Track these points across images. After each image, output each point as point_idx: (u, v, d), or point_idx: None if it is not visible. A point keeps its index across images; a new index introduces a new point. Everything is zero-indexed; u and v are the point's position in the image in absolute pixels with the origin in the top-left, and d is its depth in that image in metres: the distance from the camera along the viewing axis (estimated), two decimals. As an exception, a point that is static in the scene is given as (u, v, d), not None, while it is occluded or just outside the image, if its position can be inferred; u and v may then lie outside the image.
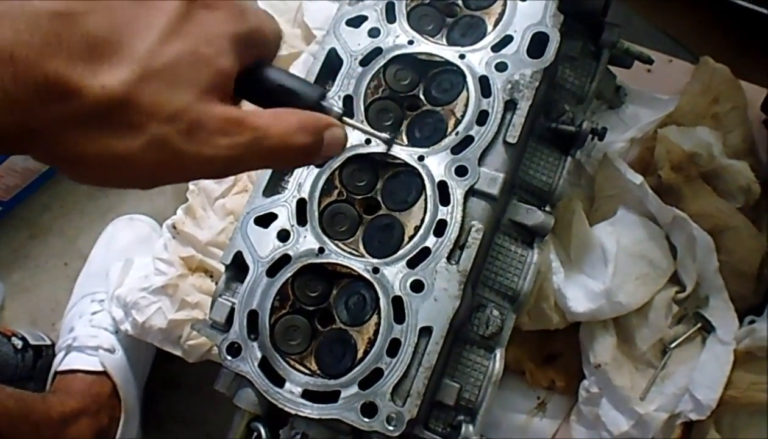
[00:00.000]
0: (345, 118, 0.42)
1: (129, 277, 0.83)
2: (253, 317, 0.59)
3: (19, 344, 0.86)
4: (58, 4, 0.29)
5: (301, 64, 0.82)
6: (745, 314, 0.73)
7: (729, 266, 0.72)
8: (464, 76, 0.63)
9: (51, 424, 0.74)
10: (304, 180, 0.62)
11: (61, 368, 0.82)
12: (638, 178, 0.73)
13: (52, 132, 0.29)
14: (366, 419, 0.55)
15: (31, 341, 0.88)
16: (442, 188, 0.60)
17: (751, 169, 0.77)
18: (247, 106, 0.39)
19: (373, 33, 0.66)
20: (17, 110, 0.28)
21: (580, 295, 0.70)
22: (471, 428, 0.61)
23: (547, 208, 0.68)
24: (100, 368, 0.82)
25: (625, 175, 0.74)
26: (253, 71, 0.39)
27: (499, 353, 0.63)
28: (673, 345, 0.72)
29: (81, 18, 0.29)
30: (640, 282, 0.70)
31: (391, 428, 0.54)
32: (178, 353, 0.80)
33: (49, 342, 0.91)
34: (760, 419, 0.68)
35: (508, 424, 0.76)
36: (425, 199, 0.60)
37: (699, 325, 0.72)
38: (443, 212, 0.59)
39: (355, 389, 0.56)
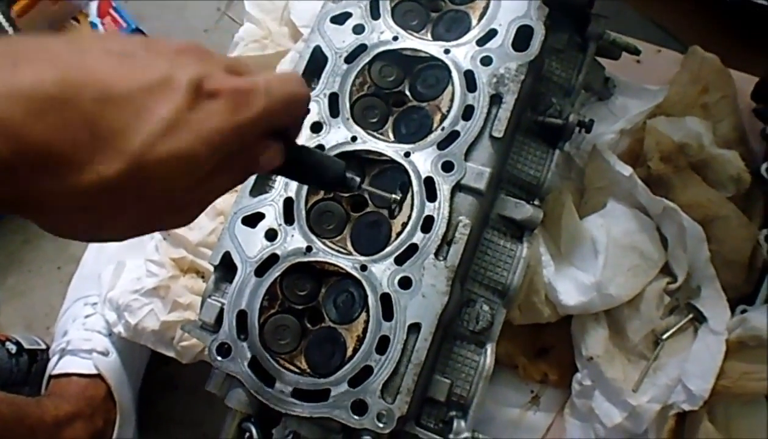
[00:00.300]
0: (365, 186, 0.53)
1: (121, 279, 0.83)
2: (242, 317, 0.59)
3: (13, 348, 0.86)
4: (65, 92, 0.31)
5: (288, 63, 0.82)
6: (736, 304, 0.73)
7: (720, 256, 0.72)
8: (449, 71, 0.63)
9: (46, 428, 0.74)
10: (288, 182, 0.62)
11: (56, 371, 0.82)
12: (627, 170, 0.73)
13: (40, 199, 0.32)
14: (356, 417, 0.55)
15: (26, 346, 0.88)
16: (429, 184, 0.60)
17: (741, 159, 0.76)
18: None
19: (358, 30, 0.66)
20: (13, 179, 0.30)
21: (570, 288, 0.70)
22: (463, 423, 0.61)
23: (536, 202, 0.67)
24: (94, 371, 0.82)
25: (614, 167, 0.74)
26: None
27: (489, 348, 0.63)
28: (665, 336, 0.71)
29: (97, 107, 0.32)
30: (631, 274, 0.70)
31: (381, 425, 0.55)
32: (171, 354, 0.80)
33: (44, 346, 0.91)
34: (753, 408, 0.67)
35: (501, 418, 0.76)
36: (412, 196, 0.60)
37: (691, 315, 0.72)
38: (430, 208, 0.59)
39: (345, 387, 0.56)
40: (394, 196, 0.58)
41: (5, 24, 0.55)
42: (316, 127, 0.63)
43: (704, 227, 0.71)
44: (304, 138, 0.63)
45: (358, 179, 0.50)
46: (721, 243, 0.72)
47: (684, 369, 0.68)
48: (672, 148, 0.74)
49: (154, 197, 0.35)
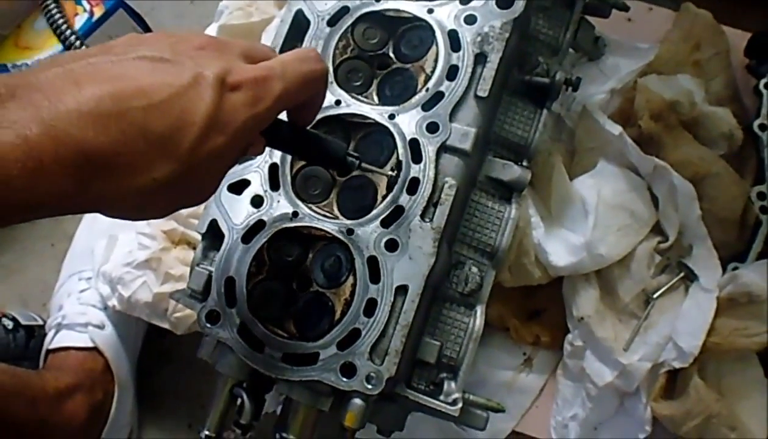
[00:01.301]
0: (363, 164, 0.53)
1: (113, 253, 0.83)
2: (230, 283, 0.59)
3: (9, 324, 0.87)
4: (119, 105, 0.37)
5: (273, 30, 0.81)
6: (728, 262, 0.72)
7: (711, 214, 0.71)
8: (433, 31, 0.62)
9: (47, 399, 0.75)
10: (275, 144, 0.61)
11: (53, 346, 0.83)
12: (617, 129, 0.72)
13: (100, 197, 0.37)
14: (345, 379, 0.55)
15: (23, 322, 0.89)
16: (414, 146, 0.59)
17: (733, 116, 0.75)
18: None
19: (340, -9, 0.65)
20: (83, 183, 0.36)
21: (560, 249, 0.70)
22: (453, 384, 0.61)
23: (524, 163, 0.67)
24: (90, 345, 0.82)
25: (604, 126, 0.73)
26: (285, 127, 0.48)
27: (479, 310, 0.63)
28: (656, 295, 0.71)
29: (144, 116, 0.37)
30: (621, 233, 0.70)
31: (370, 386, 0.55)
32: (165, 326, 0.81)
33: (40, 322, 0.91)
34: (744, 364, 0.68)
35: (494, 381, 0.76)
36: (397, 158, 0.60)
37: (682, 274, 0.72)
38: (415, 170, 0.59)
39: (333, 350, 0.56)
40: (390, 173, 0.58)
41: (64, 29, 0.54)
42: (300, 92, 0.62)
43: (695, 185, 0.71)
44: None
45: (357, 161, 0.52)
46: (713, 201, 0.72)
47: (675, 327, 0.68)
48: (663, 106, 0.73)
49: (194, 187, 0.41)
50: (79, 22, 0.91)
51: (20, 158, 0.33)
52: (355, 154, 0.52)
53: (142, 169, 0.37)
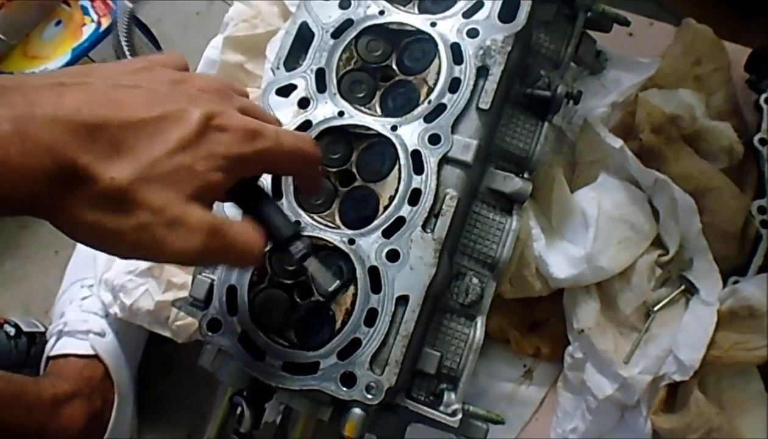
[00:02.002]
0: (309, 260, 0.49)
1: (116, 261, 0.84)
2: (231, 292, 0.59)
3: (11, 331, 0.87)
4: (96, 120, 0.38)
5: (277, 42, 0.82)
6: (729, 275, 0.73)
7: (712, 227, 0.71)
8: (436, 44, 0.63)
9: (43, 406, 0.75)
10: (278, 155, 0.62)
11: (53, 352, 0.83)
12: (618, 142, 0.72)
13: (62, 205, 0.37)
14: (345, 389, 0.55)
15: (24, 328, 0.89)
16: (416, 157, 0.60)
17: (734, 130, 0.76)
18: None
19: (344, 4, 0.66)
20: (51, 188, 0.36)
21: (561, 261, 0.70)
22: (453, 395, 0.61)
23: (525, 175, 0.67)
24: (91, 352, 0.82)
25: (605, 139, 0.73)
26: (247, 186, 0.46)
27: (479, 321, 0.63)
28: (656, 308, 0.71)
29: (119, 130, 0.38)
30: (621, 246, 0.70)
31: (370, 396, 0.55)
32: (167, 334, 0.81)
33: (42, 329, 0.92)
34: (745, 378, 0.68)
35: (495, 393, 0.76)
36: (399, 169, 0.60)
37: (683, 287, 0.72)
38: (417, 181, 0.59)
39: (334, 359, 0.56)
40: (331, 288, 0.53)
41: (125, 47, 0.56)
42: (303, 103, 0.63)
43: (696, 199, 0.71)
44: (292, 114, 0.63)
45: (304, 252, 0.49)
46: (714, 215, 0.72)
47: (675, 340, 0.68)
48: (663, 119, 0.73)
49: (152, 209, 0.39)
50: (86, 32, 0.93)
51: None
52: (302, 246, 0.49)
53: (103, 171, 0.37)
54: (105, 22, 0.93)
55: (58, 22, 0.94)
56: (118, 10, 0.59)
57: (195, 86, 0.44)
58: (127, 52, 0.57)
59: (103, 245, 0.41)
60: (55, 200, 0.37)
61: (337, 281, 0.53)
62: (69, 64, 0.91)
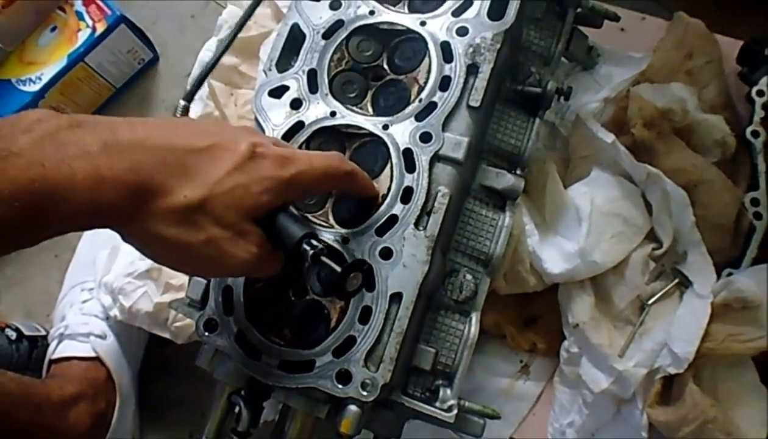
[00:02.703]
0: (322, 258, 0.50)
1: (115, 264, 0.84)
2: (227, 292, 0.60)
3: (13, 335, 0.88)
4: (165, 145, 0.45)
5: (271, 44, 0.82)
6: (723, 268, 0.73)
7: (705, 220, 0.72)
8: (426, 43, 0.63)
9: (52, 407, 0.76)
10: (271, 156, 0.63)
11: (55, 356, 0.84)
12: (610, 137, 0.73)
13: (140, 217, 0.44)
14: (341, 386, 0.56)
15: (26, 332, 0.90)
16: (407, 156, 0.60)
17: (726, 123, 0.76)
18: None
19: (335, 5, 0.66)
20: (133, 199, 0.43)
21: (555, 256, 0.70)
22: (449, 391, 0.62)
23: (518, 172, 0.68)
24: (93, 354, 0.83)
25: (597, 134, 0.74)
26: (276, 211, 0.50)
27: (474, 317, 0.64)
28: (650, 301, 0.72)
29: (185, 154, 0.45)
30: (615, 240, 0.70)
31: (365, 393, 0.55)
32: (166, 335, 0.82)
33: (43, 332, 0.92)
34: (739, 370, 0.68)
35: (491, 388, 0.77)
36: (391, 168, 0.60)
37: (677, 280, 0.72)
38: (409, 179, 0.60)
39: (329, 357, 0.57)
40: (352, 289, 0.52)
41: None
42: (296, 104, 0.64)
43: (689, 192, 0.71)
44: (284, 115, 0.64)
45: (310, 251, 0.50)
46: (707, 208, 0.72)
47: (669, 333, 0.68)
48: (655, 114, 0.74)
49: (221, 225, 0.46)
50: (82, 37, 0.93)
51: (84, 167, 0.40)
52: (315, 244, 0.50)
53: (176, 189, 0.44)
54: (100, 27, 0.93)
55: (54, 28, 0.95)
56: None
57: (234, 127, 0.52)
58: None
59: (173, 257, 0.48)
60: (136, 212, 0.43)
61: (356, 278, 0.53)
62: (65, 69, 0.92)
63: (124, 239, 0.46)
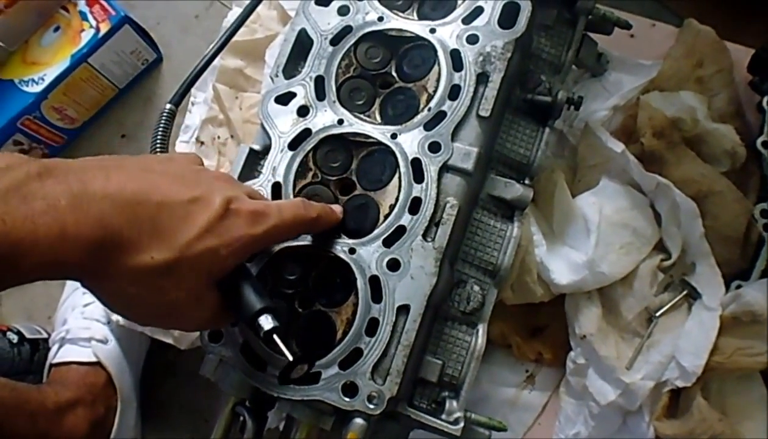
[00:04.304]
0: (274, 337, 0.48)
1: (117, 268, 0.83)
2: (232, 302, 0.59)
3: (14, 338, 0.87)
4: (138, 197, 0.44)
5: (276, 47, 0.81)
6: (732, 280, 0.72)
7: (715, 232, 0.71)
8: (435, 51, 0.63)
9: (47, 414, 0.75)
10: (278, 163, 0.62)
11: (56, 360, 0.83)
12: (619, 146, 0.72)
13: (106, 273, 0.43)
14: (347, 399, 0.55)
15: (27, 335, 0.89)
16: (416, 165, 0.60)
17: (737, 133, 0.75)
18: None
19: (343, 11, 0.66)
20: (95, 254, 0.41)
21: (563, 267, 0.70)
22: (455, 403, 0.61)
23: (527, 181, 0.67)
24: (93, 359, 0.82)
25: (606, 143, 0.73)
26: (238, 268, 0.49)
27: (481, 329, 0.63)
28: (658, 313, 0.71)
29: (157, 210, 0.44)
30: (623, 251, 0.70)
31: (372, 406, 0.55)
32: (169, 340, 0.81)
33: (45, 335, 0.92)
34: (747, 384, 0.67)
35: (497, 398, 0.76)
36: (399, 178, 0.60)
37: (685, 292, 0.72)
38: (417, 190, 0.59)
39: (335, 369, 0.56)
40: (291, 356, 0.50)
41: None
42: (303, 111, 0.63)
43: (698, 203, 0.70)
44: (291, 122, 0.63)
45: (270, 326, 0.48)
46: (716, 219, 0.71)
47: (677, 346, 0.68)
48: (665, 123, 0.73)
49: (183, 289, 0.46)
50: (85, 37, 0.92)
51: (48, 223, 0.39)
52: (270, 322, 0.48)
53: (144, 248, 0.43)
54: (104, 28, 0.92)
55: (57, 28, 0.93)
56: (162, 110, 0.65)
57: (211, 175, 0.51)
58: (159, 149, 0.63)
59: (129, 312, 0.48)
60: (99, 268, 0.42)
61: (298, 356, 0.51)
62: (68, 70, 0.91)
63: (85, 287, 0.46)
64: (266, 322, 0.48)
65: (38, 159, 0.43)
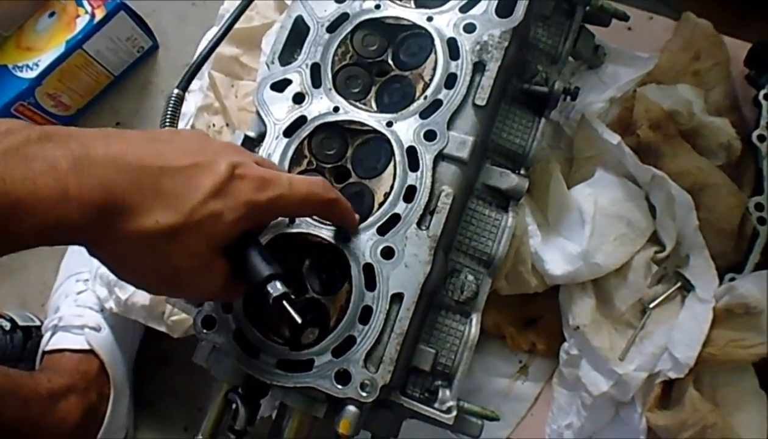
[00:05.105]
0: (283, 302, 0.48)
1: (111, 255, 0.83)
2: (226, 289, 0.59)
3: (7, 325, 0.87)
4: (141, 163, 0.43)
5: (273, 34, 0.81)
6: (725, 272, 0.72)
7: (709, 224, 0.71)
8: (432, 39, 0.62)
9: (39, 400, 0.75)
10: (273, 150, 0.62)
11: (48, 347, 0.83)
12: (615, 138, 0.72)
13: (108, 237, 0.42)
14: (340, 386, 0.55)
15: (20, 322, 0.89)
16: (411, 154, 0.60)
17: (732, 126, 0.75)
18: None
19: (340, -2, 0.65)
20: (100, 219, 0.40)
21: (557, 257, 0.70)
22: (448, 392, 0.61)
23: (522, 172, 0.67)
24: (86, 347, 0.82)
25: (602, 135, 0.73)
26: (246, 236, 0.48)
27: (475, 318, 0.63)
28: (652, 305, 0.71)
29: (161, 175, 0.43)
30: (618, 243, 0.70)
31: (364, 394, 0.55)
32: (162, 329, 0.81)
33: (38, 323, 0.91)
34: (740, 375, 0.68)
35: (490, 388, 0.76)
36: (394, 166, 0.60)
37: (679, 284, 0.72)
38: (412, 178, 0.59)
39: (328, 357, 0.56)
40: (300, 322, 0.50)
41: None
42: (298, 98, 0.63)
43: (693, 196, 0.71)
44: (287, 109, 0.63)
45: (281, 292, 0.48)
46: (711, 211, 0.72)
47: (671, 337, 0.68)
48: (661, 115, 0.73)
49: (189, 255, 0.44)
50: (80, 23, 0.92)
51: (48, 184, 0.39)
52: (279, 288, 0.48)
53: (148, 212, 0.42)
54: (99, 14, 0.92)
55: (52, 14, 0.93)
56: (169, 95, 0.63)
57: (219, 144, 0.50)
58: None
59: (135, 278, 0.47)
60: (102, 232, 0.41)
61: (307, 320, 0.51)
62: (63, 56, 0.90)
63: (90, 253, 0.45)
64: (275, 288, 0.48)
65: (39, 125, 0.42)
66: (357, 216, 0.57)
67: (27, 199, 0.38)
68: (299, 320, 0.48)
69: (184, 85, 0.64)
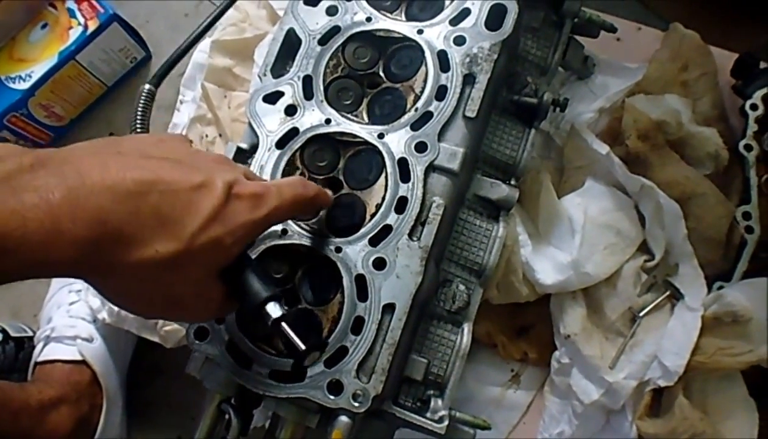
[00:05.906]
0: (282, 324, 0.48)
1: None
2: (218, 300, 0.59)
3: (-1, 336, 0.87)
4: (139, 188, 0.41)
5: (265, 46, 0.82)
6: (714, 281, 0.73)
7: (698, 233, 0.72)
8: (423, 52, 0.63)
9: (30, 412, 0.74)
10: (265, 162, 0.62)
11: (41, 358, 0.83)
12: (604, 148, 0.73)
13: (105, 270, 0.41)
14: (332, 397, 0.55)
15: (12, 333, 0.89)
16: (402, 165, 0.60)
17: (720, 136, 0.76)
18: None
19: (331, 11, 0.66)
20: (95, 250, 0.39)
21: (548, 267, 0.70)
22: (440, 402, 0.61)
23: (513, 182, 0.68)
24: (78, 357, 0.82)
25: (591, 145, 0.74)
26: (241, 256, 0.48)
27: (466, 328, 0.64)
28: (642, 314, 0.72)
29: (159, 199, 0.42)
30: (608, 252, 0.70)
31: (356, 404, 0.55)
32: (155, 339, 0.81)
33: (30, 333, 0.91)
34: (729, 383, 0.68)
35: (482, 397, 0.77)
36: (386, 177, 0.60)
37: (668, 292, 0.72)
38: (404, 189, 0.59)
39: (321, 367, 0.56)
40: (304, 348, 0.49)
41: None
42: (291, 110, 0.63)
43: (682, 205, 0.71)
44: (279, 121, 0.63)
45: (278, 314, 0.48)
46: (699, 220, 0.72)
47: (660, 345, 0.69)
48: (650, 125, 0.74)
49: (188, 282, 0.44)
50: (73, 35, 0.92)
51: (39, 217, 0.37)
52: (278, 312, 0.48)
53: (148, 241, 0.41)
54: (92, 25, 0.92)
55: (45, 25, 0.93)
56: (139, 90, 0.63)
57: (208, 158, 0.49)
58: (139, 129, 0.61)
59: (133, 307, 0.46)
60: (98, 264, 0.40)
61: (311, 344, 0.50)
62: (56, 67, 0.91)
63: (86, 281, 0.44)
64: (274, 310, 0.48)
65: (33, 149, 0.41)
66: (330, 193, 0.58)
67: (14, 234, 0.36)
68: (302, 346, 0.48)
69: (156, 81, 0.65)
